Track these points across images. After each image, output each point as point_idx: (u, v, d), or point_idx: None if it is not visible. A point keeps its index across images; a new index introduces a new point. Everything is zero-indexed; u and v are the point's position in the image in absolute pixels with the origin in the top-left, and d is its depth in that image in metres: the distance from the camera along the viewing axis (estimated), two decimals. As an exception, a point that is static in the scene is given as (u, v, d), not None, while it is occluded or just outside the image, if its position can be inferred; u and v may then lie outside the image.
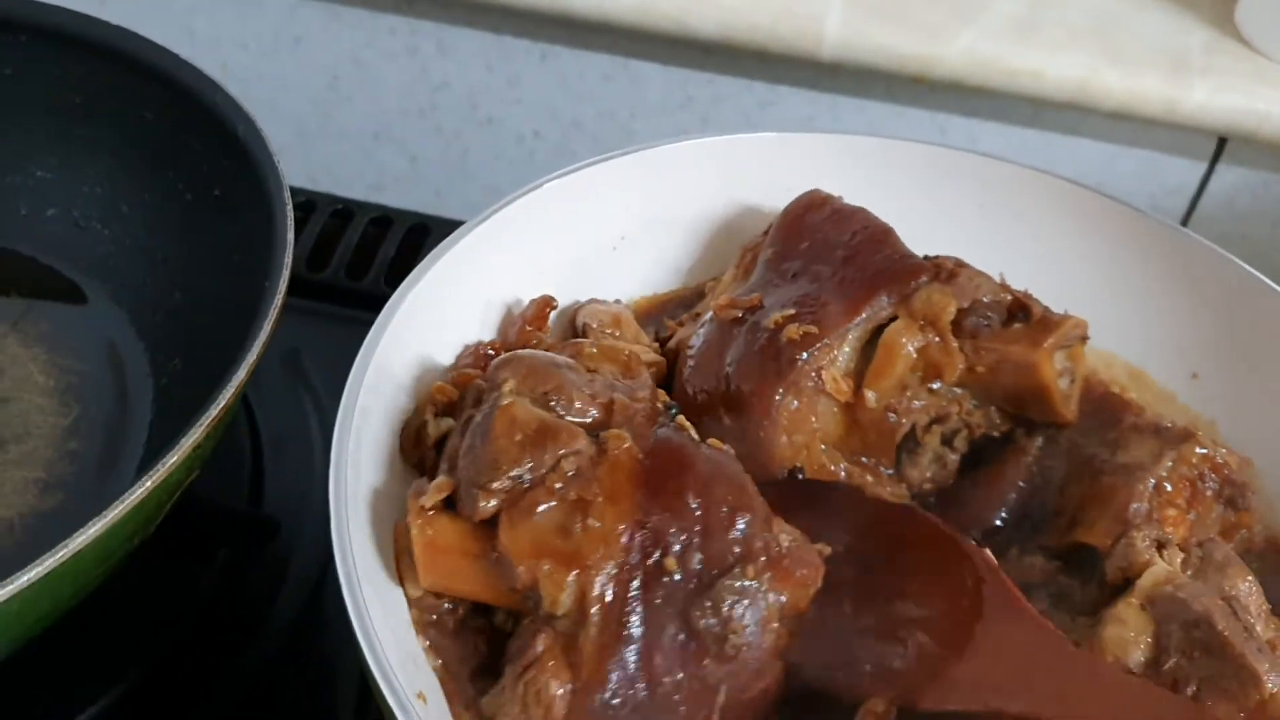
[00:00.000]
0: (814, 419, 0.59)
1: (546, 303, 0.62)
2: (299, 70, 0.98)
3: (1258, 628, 0.49)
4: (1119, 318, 0.69)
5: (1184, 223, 0.96)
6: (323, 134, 1.02)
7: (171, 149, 0.67)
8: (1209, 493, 0.57)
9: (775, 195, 0.67)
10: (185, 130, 0.66)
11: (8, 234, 0.71)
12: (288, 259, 0.56)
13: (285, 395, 0.74)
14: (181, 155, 0.67)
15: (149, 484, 0.46)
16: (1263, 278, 0.65)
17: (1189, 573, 0.51)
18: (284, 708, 0.62)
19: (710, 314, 0.62)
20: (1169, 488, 0.56)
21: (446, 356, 0.60)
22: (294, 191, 0.86)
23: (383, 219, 0.86)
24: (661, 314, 0.68)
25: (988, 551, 0.52)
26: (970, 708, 0.46)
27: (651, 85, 0.95)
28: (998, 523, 0.60)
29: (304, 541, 0.66)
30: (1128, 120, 0.89)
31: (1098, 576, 0.51)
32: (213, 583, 0.63)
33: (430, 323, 0.59)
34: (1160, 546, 0.51)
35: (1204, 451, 0.57)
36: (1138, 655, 0.47)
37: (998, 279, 0.61)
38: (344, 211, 0.86)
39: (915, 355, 0.59)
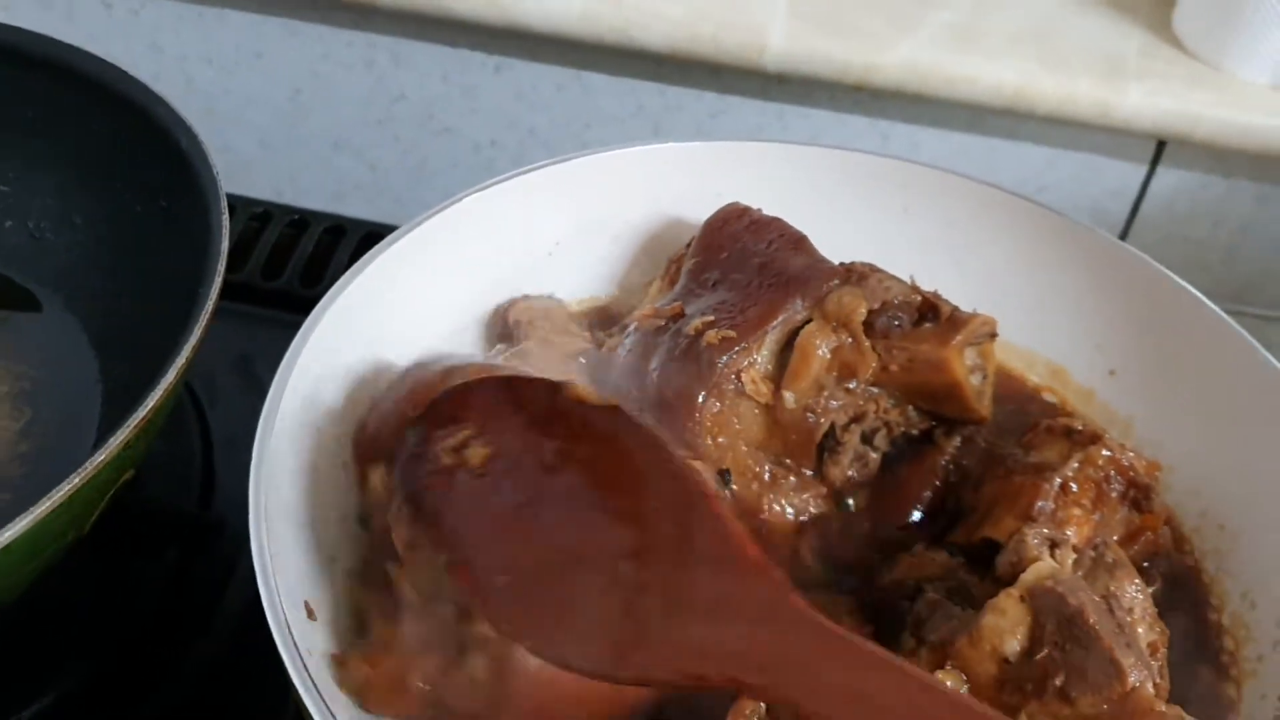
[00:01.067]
0: (736, 421, 0.61)
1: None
2: (261, 84, 1.01)
3: (1139, 630, 0.52)
4: (1041, 317, 0.71)
5: (1127, 225, 0.99)
6: (285, 145, 1.04)
7: (120, 162, 0.69)
8: (1114, 494, 0.59)
9: (705, 205, 0.69)
10: (133, 143, 0.68)
11: (-34, 246, 0.74)
12: (220, 266, 0.58)
13: (237, 399, 0.76)
14: (129, 168, 0.69)
15: (76, 480, 0.48)
16: (1176, 278, 0.67)
17: (1080, 573, 0.53)
18: (232, 705, 0.64)
19: (635, 324, 0.64)
20: (1074, 488, 0.58)
21: (379, 355, 0.62)
22: (252, 202, 0.89)
23: (337, 228, 0.88)
24: (594, 324, 0.71)
25: (702, 474, 0.49)
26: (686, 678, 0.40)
27: (604, 95, 0.97)
28: (915, 518, 0.62)
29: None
30: (1065, 125, 0.91)
31: (992, 572, 0.53)
32: (161, 582, 0.65)
33: (360, 326, 0.61)
34: (1054, 546, 0.53)
35: (1109, 454, 0.59)
36: (1012, 644, 0.49)
37: (909, 281, 0.63)
38: (300, 221, 0.88)
39: (829, 356, 0.61)
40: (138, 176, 0.69)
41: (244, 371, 0.77)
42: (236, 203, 0.88)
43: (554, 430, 0.51)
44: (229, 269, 0.75)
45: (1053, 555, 0.53)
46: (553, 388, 0.52)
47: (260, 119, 1.03)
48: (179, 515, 0.67)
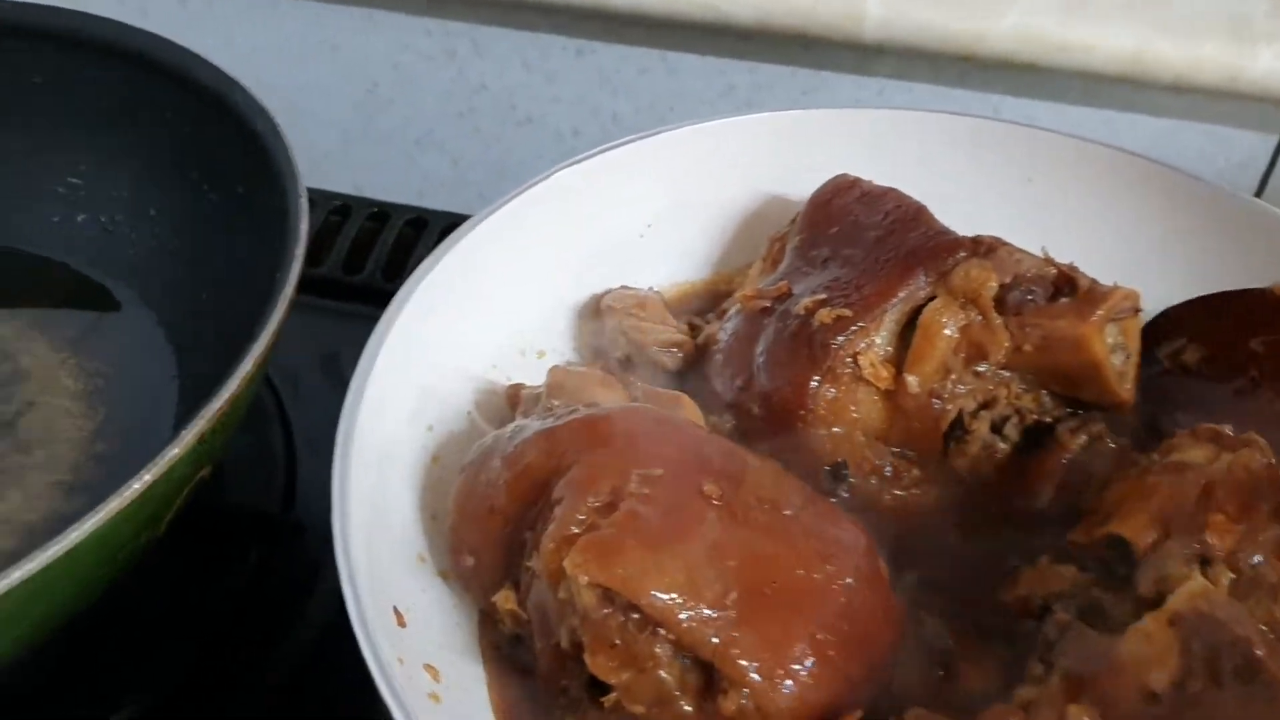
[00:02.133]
0: (853, 408, 0.56)
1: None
2: (338, 77, 0.98)
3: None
4: (1181, 291, 0.65)
5: (1256, 197, 0.92)
6: (365, 140, 1.01)
7: (194, 150, 0.67)
8: (1265, 507, 0.52)
9: (806, 178, 0.65)
10: (207, 130, 0.66)
11: (40, 241, 0.72)
12: (300, 250, 0.55)
13: (321, 397, 0.72)
14: (204, 155, 0.67)
15: (148, 477, 0.45)
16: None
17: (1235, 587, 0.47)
18: (314, 709, 0.60)
19: (737, 306, 0.60)
20: (1219, 493, 0.52)
21: (465, 344, 0.58)
22: (332, 196, 0.86)
23: (418, 220, 0.85)
24: (690, 309, 0.66)
25: None
26: None
27: (690, 76, 0.92)
28: (1033, 518, 0.57)
29: (335, 542, 0.64)
30: (1188, 93, 0.84)
31: (1132, 590, 0.47)
32: (243, 584, 0.62)
33: (449, 310, 0.57)
34: (1205, 563, 0.47)
35: (1265, 461, 0.52)
36: (1160, 677, 0.42)
37: (1041, 253, 0.57)
38: (380, 214, 0.85)
39: (957, 335, 0.55)
40: (213, 164, 0.66)
41: (327, 368, 0.74)
42: (316, 196, 0.85)
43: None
44: (309, 263, 0.72)
45: (1204, 573, 0.47)
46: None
47: (338, 114, 1.00)
48: (261, 516, 0.64)
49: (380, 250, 0.82)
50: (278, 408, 0.71)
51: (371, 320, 0.79)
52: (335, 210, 0.86)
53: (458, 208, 0.90)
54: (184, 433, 0.46)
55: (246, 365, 0.49)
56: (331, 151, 1.02)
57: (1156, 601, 0.47)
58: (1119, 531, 0.50)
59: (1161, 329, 0.61)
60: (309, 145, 1.01)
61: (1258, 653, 0.42)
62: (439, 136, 1.00)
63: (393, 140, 1.01)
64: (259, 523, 0.63)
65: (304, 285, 0.78)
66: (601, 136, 0.96)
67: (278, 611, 0.62)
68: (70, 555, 0.42)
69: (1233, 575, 0.47)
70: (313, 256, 0.79)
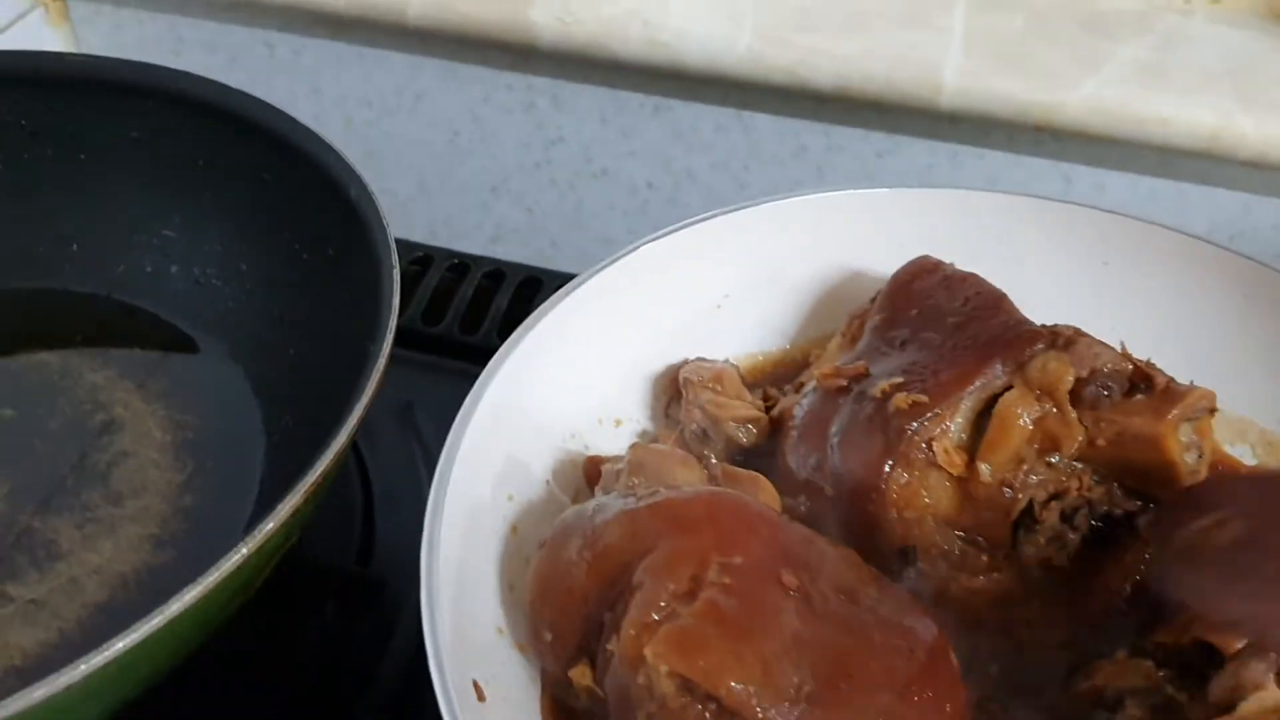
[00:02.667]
0: (925, 494, 0.57)
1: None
2: (420, 126, 1.00)
3: None
4: (1257, 382, 0.65)
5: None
6: (443, 188, 1.03)
7: (288, 210, 0.69)
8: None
9: (885, 256, 0.66)
10: (302, 192, 0.67)
11: (134, 291, 0.74)
12: (392, 322, 0.56)
13: (397, 449, 0.74)
14: (298, 216, 0.68)
15: (244, 551, 0.46)
16: None
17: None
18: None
19: (814, 383, 0.60)
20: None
21: (548, 412, 0.60)
22: (412, 246, 0.88)
23: (496, 273, 0.86)
24: (765, 380, 0.67)
25: None
26: None
27: (765, 135, 0.94)
28: (1111, 614, 0.57)
29: (412, 598, 0.65)
30: (1266, 169, 0.84)
31: (1205, 694, 0.48)
32: (320, 641, 0.64)
33: (535, 377, 0.59)
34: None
35: None
36: None
37: (1119, 345, 0.58)
38: (459, 266, 0.87)
39: (1031, 426, 0.56)
40: (306, 226, 0.68)
41: (402, 419, 0.76)
42: (397, 246, 0.87)
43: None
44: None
45: None
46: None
47: (419, 161, 1.02)
48: (338, 573, 0.65)
49: (459, 302, 0.84)
50: (355, 457, 0.72)
51: (448, 372, 0.81)
52: (415, 260, 0.87)
53: (531, 255, 0.92)
54: (280, 507, 0.48)
55: (340, 439, 0.51)
56: (411, 197, 1.04)
57: (1227, 707, 0.47)
58: (1209, 639, 0.50)
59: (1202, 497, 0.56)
60: (391, 192, 1.05)
61: None
62: (515, 185, 1.02)
63: (470, 188, 1.03)
64: (339, 580, 0.65)
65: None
66: (674, 190, 0.98)
67: (354, 669, 0.63)
68: (171, 624, 0.44)
69: None
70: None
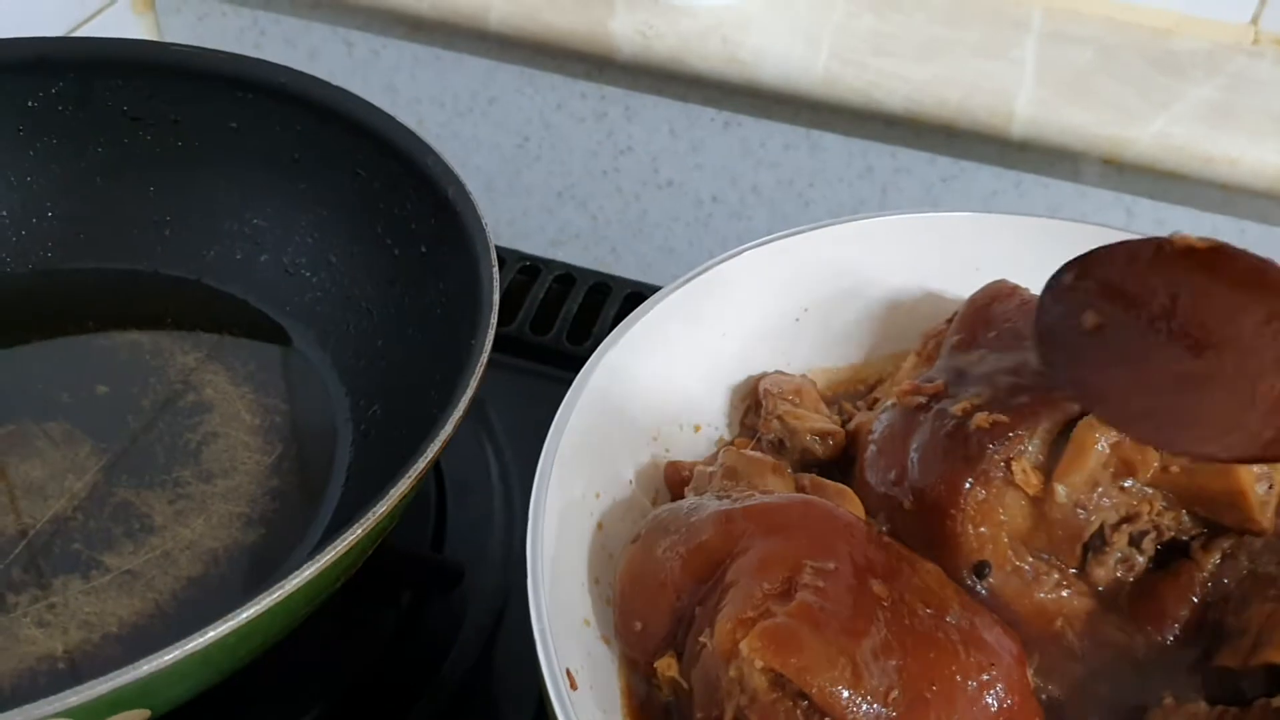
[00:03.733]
0: (1001, 511, 0.58)
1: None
2: (491, 129, 1.02)
3: None
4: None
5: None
6: (510, 191, 1.05)
7: (381, 205, 0.71)
8: None
9: (959, 278, 0.67)
10: (396, 189, 0.69)
11: (224, 277, 0.76)
12: (493, 319, 0.58)
13: (469, 444, 0.76)
14: (391, 212, 0.70)
15: (359, 531, 0.48)
16: None
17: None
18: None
19: (893, 400, 0.62)
20: (1369, 612, 0.54)
21: (634, 414, 0.61)
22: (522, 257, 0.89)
23: (566, 276, 0.88)
24: (839, 394, 0.69)
25: None
26: None
27: (832, 155, 0.96)
28: (1169, 639, 0.59)
29: (482, 588, 0.68)
30: (1329, 211, 0.86)
31: None
32: (394, 626, 0.65)
33: (625, 380, 0.61)
34: None
35: None
36: None
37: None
38: (530, 268, 0.89)
39: (1108, 451, 0.58)
40: (398, 221, 0.70)
41: (476, 415, 0.78)
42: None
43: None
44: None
45: None
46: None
47: (488, 164, 1.04)
48: (421, 558, 0.67)
49: (530, 304, 0.86)
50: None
51: (517, 371, 0.83)
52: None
53: (593, 261, 0.93)
54: (391, 491, 0.50)
55: (447, 429, 0.53)
56: (479, 198, 1.06)
57: None
58: (1277, 661, 0.51)
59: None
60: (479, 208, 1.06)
61: None
62: (581, 192, 1.04)
63: (536, 192, 1.05)
64: (420, 565, 0.67)
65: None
66: (739, 205, 1.00)
67: (423, 655, 0.65)
68: (289, 598, 0.46)
69: None
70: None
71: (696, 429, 0.66)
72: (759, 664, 0.47)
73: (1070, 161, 0.90)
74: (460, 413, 0.53)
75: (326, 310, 0.73)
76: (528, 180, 1.04)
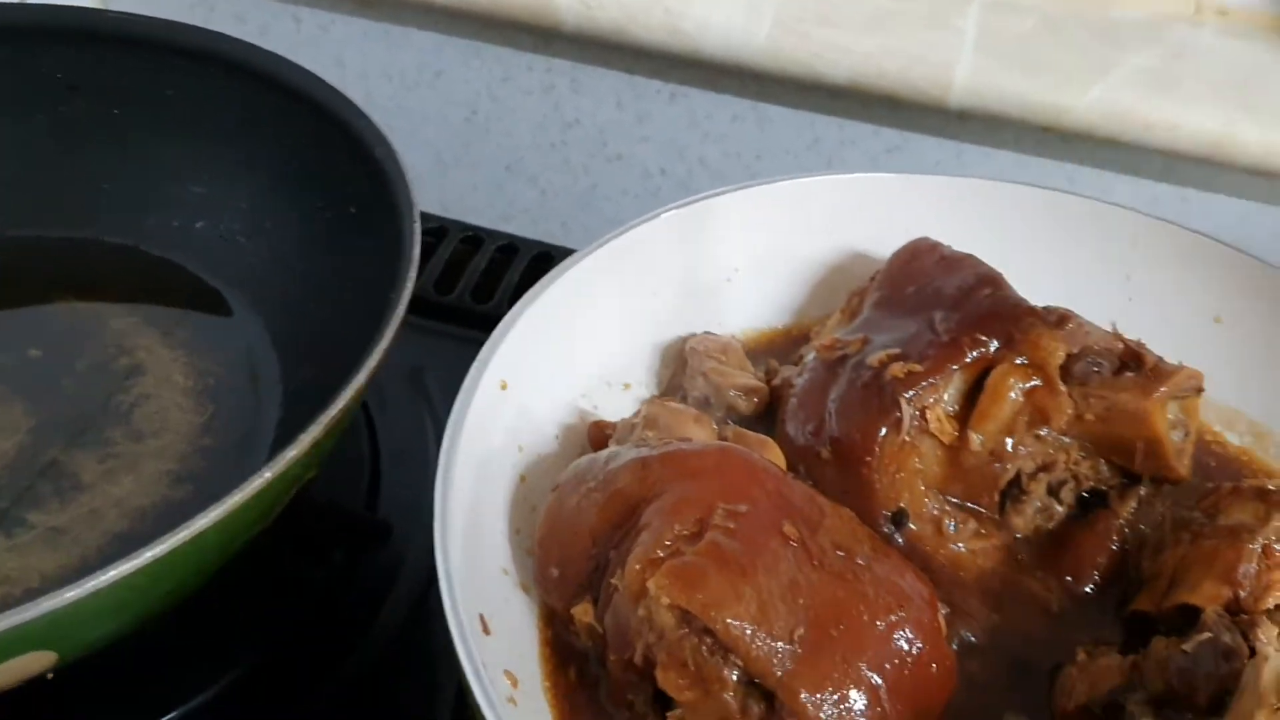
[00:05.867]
0: (917, 460, 0.59)
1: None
2: (439, 103, 1.02)
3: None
4: (1248, 373, 0.67)
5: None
6: (458, 165, 1.06)
7: (314, 170, 0.71)
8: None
9: (888, 238, 0.68)
10: (328, 152, 0.70)
11: (162, 243, 0.76)
12: (412, 272, 0.58)
13: (407, 410, 0.76)
14: (323, 176, 0.71)
15: (268, 474, 0.48)
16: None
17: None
18: (385, 708, 0.64)
19: (814, 354, 0.63)
20: (1278, 549, 0.54)
21: (560, 371, 0.62)
22: (426, 217, 0.90)
23: (509, 246, 0.89)
24: (768, 354, 0.69)
25: None
26: None
27: (779, 126, 0.96)
28: (1088, 588, 0.59)
29: (414, 549, 0.68)
30: (1268, 177, 0.87)
31: (1203, 667, 0.49)
32: (325, 582, 0.66)
33: (549, 337, 0.61)
34: (1244, 629, 0.49)
35: None
36: None
37: (1110, 328, 0.60)
38: (473, 238, 0.89)
39: (1022, 399, 0.58)
40: (330, 184, 0.70)
41: (413, 382, 0.78)
42: (415, 217, 0.89)
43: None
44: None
45: (1248, 638, 0.50)
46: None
47: (436, 138, 1.05)
48: (350, 516, 0.67)
49: (472, 273, 0.86)
50: (365, 417, 0.75)
51: (458, 339, 0.83)
52: (430, 231, 0.89)
53: (542, 235, 0.94)
54: (302, 436, 0.50)
55: (359, 378, 0.53)
56: (427, 173, 1.06)
57: (1230, 675, 0.48)
58: (1191, 600, 0.52)
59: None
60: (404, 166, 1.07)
61: None
62: (529, 166, 1.04)
63: (484, 166, 1.05)
64: (349, 523, 0.67)
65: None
66: (687, 177, 1.00)
67: (356, 611, 0.65)
68: (199, 537, 0.46)
69: (1277, 629, 0.50)
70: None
71: (625, 387, 0.66)
72: (665, 601, 0.48)
73: (1011, 130, 0.91)
74: (373, 365, 0.54)
75: (261, 275, 0.74)
76: (476, 154, 1.04)
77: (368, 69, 1.03)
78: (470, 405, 0.55)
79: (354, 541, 0.68)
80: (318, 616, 0.64)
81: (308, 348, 0.70)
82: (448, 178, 1.06)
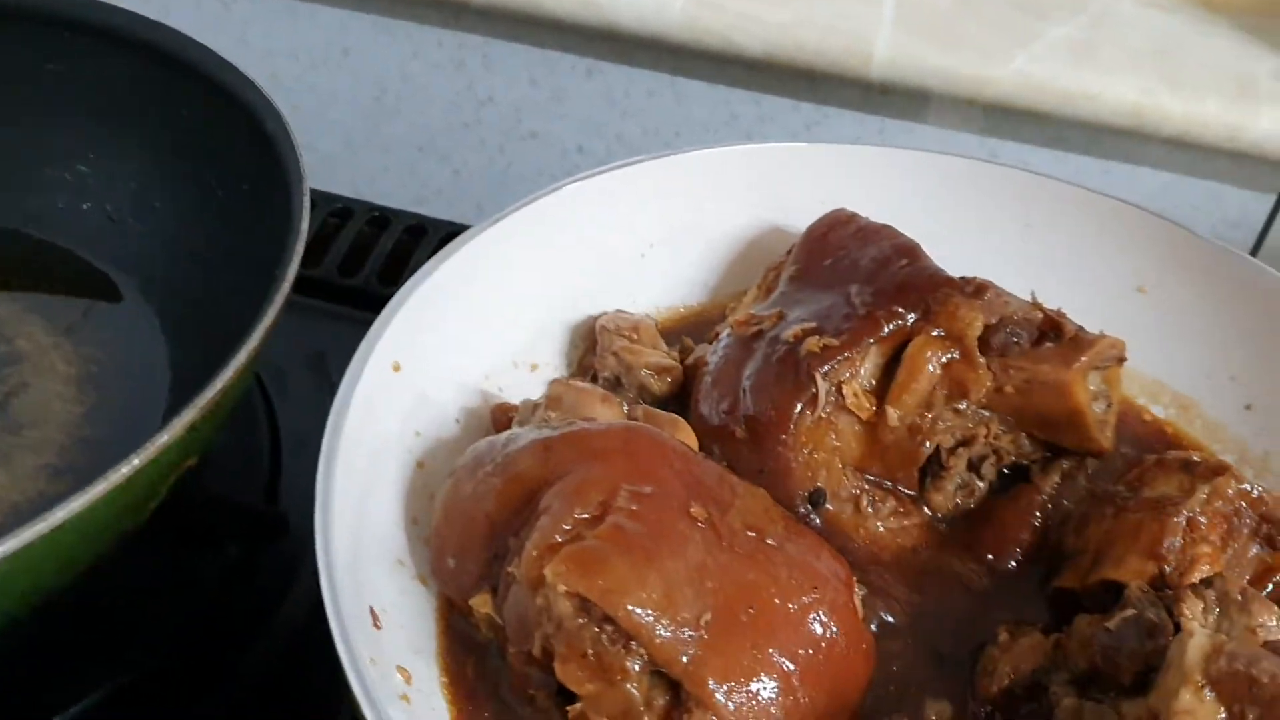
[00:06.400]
0: (834, 436, 0.57)
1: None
2: (347, 82, 0.99)
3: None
4: (1171, 345, 0.66)
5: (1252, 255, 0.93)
6: (369, 146, 1.02)
7: (204, 145, 0.68)
8: (1245, 530, 0.53)
9: (808, 211, 0.66)
10: (218, 127, 0.66)
11: (45, 225, 0.72)
12: (299, 246, 0.55)
13: (309, 397, 0.73)
14: (213, 152, 0.67)
15: (136, 462, 0.45)
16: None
17: (1210, 619, 0.47)
18: (287, 706, 0.61)
19: (729, 331, 0.60)
20: (1203, 522, 0.53)
21: (460, 352, 0.59)
22: (332, 198, 0.87)
23: (418, 227, 0.85)
24: (684, 332, 0.67)
25: None
26: None
27: (697, 102, 0.94)
28: (1010, 565, 0.57)
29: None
30: (1188, 148, 0.86)
31: (1127, 647, 0.48)
32: (220, 578, 0.62)
33: (446, 317, 0.58)
34: (1169, 603, 0.48)
35: (1243, 487, 0.54)
36: None
37: (1030, 298, 0.58)
38: (380, 219, 0.86)
39: (939, 372, 0.56)
40: (222, 161, 0.67)
41: (316, 368, 0.75)
42: (318, 198, 0.85)
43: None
44: (306, 263, 0.73)
45: (1172, 613, 0.48)
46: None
47: (345, 118, 1.01)
48: (242, 508, 0.64)
49: (378, 255, 0.83)
50: (265, 405, 0.71)
51: (363, 324, 0.79)
52: (335, 213, 0.86)
53: (456, 217, 0.91)
54: (175, 421, 0.47)
55: (240, 358, 0.50)
56: (336, 155, 1.03)
57: (1155, 652, 0.47)
58: (1115, 577, 0.50)
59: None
60: (314, 148, 1.03)
61: None
62: (443, 146, 1.01)
63: (396, 147, 1.02)
64: (242, 516, 0.64)
65: (300, 286, 0.79)
66: (606, 155, 0.97)
67: (254, 608, 0.62)
68: (55, 534, 0.43)
69: (1200, 603, 0.48)
70: (311, 257, 0.80)
71: (533, 368, 0.63)
72: (562, 589, 0.45)
73: (933, 104, 0.89)
74: (254, 345, 0.50)
75: (151, 257, 0.70)
76: (387, 135, 1.01)
77: (273, 48, 0.99)
78: (357, 388, 0.52)
79: (250, 535, 0.64)
80: (213, 614, 0.61)
81: (198, 334, 0.66)
82: (358, 159, 1.03)
